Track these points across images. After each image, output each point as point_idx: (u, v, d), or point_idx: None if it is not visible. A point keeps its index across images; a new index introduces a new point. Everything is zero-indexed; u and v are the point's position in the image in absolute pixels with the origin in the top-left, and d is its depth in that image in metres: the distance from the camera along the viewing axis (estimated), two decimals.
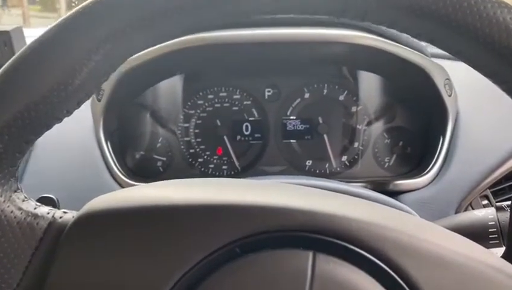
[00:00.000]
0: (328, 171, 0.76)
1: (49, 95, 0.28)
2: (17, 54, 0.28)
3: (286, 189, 0.32)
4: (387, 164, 0.75)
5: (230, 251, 0.27)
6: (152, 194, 0.30)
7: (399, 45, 0.64)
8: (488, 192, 0.64)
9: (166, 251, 0.27)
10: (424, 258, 0.26)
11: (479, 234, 0.44)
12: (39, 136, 0.30)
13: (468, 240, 0.29)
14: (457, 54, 0.28)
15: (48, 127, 0.30)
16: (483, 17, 0.26)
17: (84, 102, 0.31)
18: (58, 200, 0.37)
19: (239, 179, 0.33)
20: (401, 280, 0.26)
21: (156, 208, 0.28)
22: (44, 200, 0.34)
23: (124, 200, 0.29)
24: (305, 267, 0.26)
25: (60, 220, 0.29)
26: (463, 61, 0.28)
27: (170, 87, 0.74)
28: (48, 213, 0.30)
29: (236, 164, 0.76)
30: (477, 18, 0.26)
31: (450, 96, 0.66)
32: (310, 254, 0.26)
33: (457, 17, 0.26)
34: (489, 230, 0.44)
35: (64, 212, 0.30)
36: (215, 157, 0.76)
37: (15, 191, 0.30)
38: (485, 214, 0.45)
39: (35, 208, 0.30)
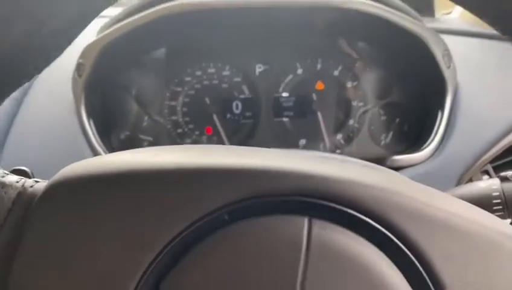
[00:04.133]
0: (322, 150, 0.73)
1: (15, 46, 0.25)
2: None
3: (278, 152, 0.29)
4: (383, 141, 0.73)
5: (218, 218, 0.24)
6: (129, 159, 0.27)
7: (396, 12, 0.61)
8: (489, 167, 0.61)
9: (146, 220, 0.24)
10: (432, 225, 0.24)
11: (482, 206, 0.41)
12: (7, 96, 0.27)
13: (477, 207, 0.27)
14: None
15: (17, 85, 0.28)
16: None
17: (55, 58, 0.29)
18: (32, 173, 0.34)
19: (225, 145, 0.31)
20: (406, 247, 0.23)
21: (133, 173, 0.26)
22: (18, 173, 0.31)
23: (98, 166, 0.27)
24: (300, 234, 0.23)
25: (30, 189, 0.27)
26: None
27: (156, 64, 0.71)
28: (18, 182, 0.28)
29: (227, 143, 0.73)
30: None
31: (448, 68, 0.64)
32: (305, 220, 0.24)
33: None
34: (494, 201, 0.42)
35: (36, 181, 0.28)
36: (204, 137, 0.73)
37: None
38: (489, 184, 0.43)
39: (2, 177, 0.28)
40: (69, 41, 0.28)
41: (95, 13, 0.28)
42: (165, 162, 0.26)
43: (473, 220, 0.24)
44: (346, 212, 0.24)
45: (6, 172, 0.29)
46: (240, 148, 0.30)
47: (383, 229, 0.24)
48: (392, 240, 0.23)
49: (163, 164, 0.26)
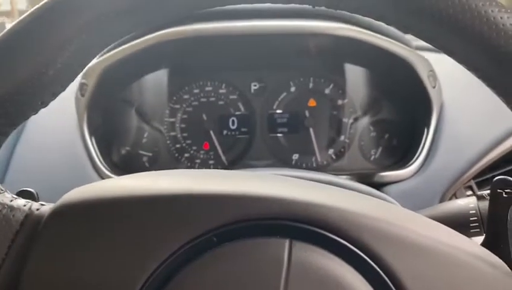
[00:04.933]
0: (314, 165, 0.76)
1: (24, 85, 0.28)
2: None
3: (263, 178, 0.32)
4: (373, 156, 0.75)
5: (207, 240, 0.27)
6: (128, 184, 0.30)
7: (383, 37, 0.64)
8: (472, 183, 0.64)
9: (142, 242, 0.27)
10: (402, 246, 0.26)
11: (460, 223, 0.44)
12: (15, 128, 0.30)
13: (447, 228, 0.29)
14: (432, 41, 0.28)
15: (24, 118, 0.29)
16: (455, 3, 0.26)
17: (60, 93, 0.31)
18: (37, 194, 0.36)
19: (216, 170, 0.33)
20: (379, 267, 0.26)
21: (132, 199, 0.28)
22: (24, 194, 0.34)
23: (100, 191, 0.29)
24: (282, 255, 0.26)
25: (36, 212, 0.29)
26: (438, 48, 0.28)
27: (155, 82, 0.74)
28: (25, 205, 0.29)
29: (223, 158, 0.76)
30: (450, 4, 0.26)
31: (434, 88, 0.67)
32: (287, 242, 0.26)
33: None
34: (471, 219, 0.44)
35: (42, 205, 0.30)
36: (201, 152, 0.76)
37: None
38: (467, 203, 0.45)
39: (11, 201, 0.29)
40: (75, 75, 0.30)
41: (99, 49, 0.31)
42: (161, 189, 0.28)
43: (443, 242, 0.26)
44: (324, 235, 0.26)
45: (15, 196, 0.30)
46: (229, 174, 0.33)
47: (357, 251, 0.26)
48: (366, 260, 0.26)
49: (158, 190, 0.28)
